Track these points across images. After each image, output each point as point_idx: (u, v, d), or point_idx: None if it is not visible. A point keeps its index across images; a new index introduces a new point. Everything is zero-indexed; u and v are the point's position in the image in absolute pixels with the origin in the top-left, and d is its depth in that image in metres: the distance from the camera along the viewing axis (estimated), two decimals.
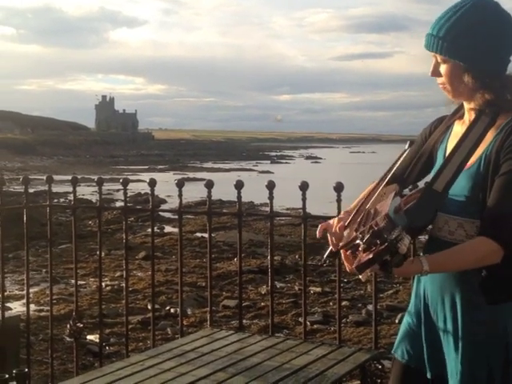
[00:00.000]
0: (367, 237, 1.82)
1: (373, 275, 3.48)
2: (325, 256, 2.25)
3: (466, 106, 2.16)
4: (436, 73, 2.13)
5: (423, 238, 2.40)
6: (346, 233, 2.07)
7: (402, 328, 2.35)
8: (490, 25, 2.04)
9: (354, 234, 1.92)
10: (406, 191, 2.29)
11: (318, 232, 2.22)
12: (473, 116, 2.11)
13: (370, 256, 1.79)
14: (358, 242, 1.85)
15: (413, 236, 1.94)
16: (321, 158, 72.02)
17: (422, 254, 2.24)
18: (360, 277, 1.87)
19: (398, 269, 1.83)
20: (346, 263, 1.98)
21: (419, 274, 1.98)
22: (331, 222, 2.20)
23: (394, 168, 2.17)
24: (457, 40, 2.04)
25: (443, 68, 2.10)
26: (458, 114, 2.23)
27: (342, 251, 1.97)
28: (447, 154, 2.10)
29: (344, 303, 8.50)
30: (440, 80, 2.13)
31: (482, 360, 2.05)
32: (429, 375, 2.20)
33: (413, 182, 2.33)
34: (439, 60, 2.10)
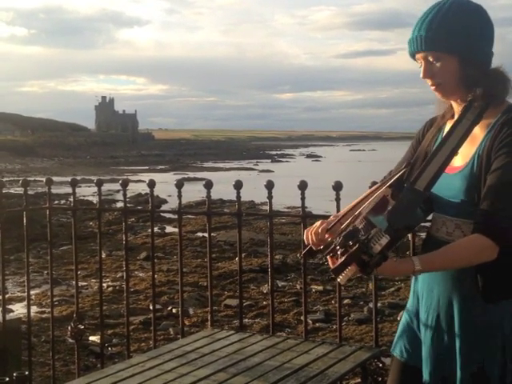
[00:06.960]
0: (340, 239, 1.80)
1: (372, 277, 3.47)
2: (302, 253, 2.25)
3: (456, 106, 2.16)
4: (429, 73, 2.10)
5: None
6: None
7: (400, 326, 2.35)
8: (472, 19, 2.06)
9: (338, 239, 1.91)
10: None
11: (305, 238, 2.24)
12: None
13: (343, 258, 1.77)
14: (337, 246, 1.85)
15: (399, 237, 1.91)
16: (321, 157, 72.01)
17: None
18: (338, 280, 1.85)
19: (385, 268, 1.82)
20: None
21: (411, 274, 1.97)
22: (316, 224, 2.22)
23: (391, 181, 2.15)
24: (449, 33, 2.04)
25: (437, 66, 2.08)
26: (449, 114, 2.22)
27: (328, 258, 1.95)
28: (430, 153, 2.09)
29: (346, 301, 8.50)
30: (431, 81, 2.11)
31: (478, 358, 2.05)
32: (425, 375, 2.18)
33: None
34: (431, 59, 2.08)
